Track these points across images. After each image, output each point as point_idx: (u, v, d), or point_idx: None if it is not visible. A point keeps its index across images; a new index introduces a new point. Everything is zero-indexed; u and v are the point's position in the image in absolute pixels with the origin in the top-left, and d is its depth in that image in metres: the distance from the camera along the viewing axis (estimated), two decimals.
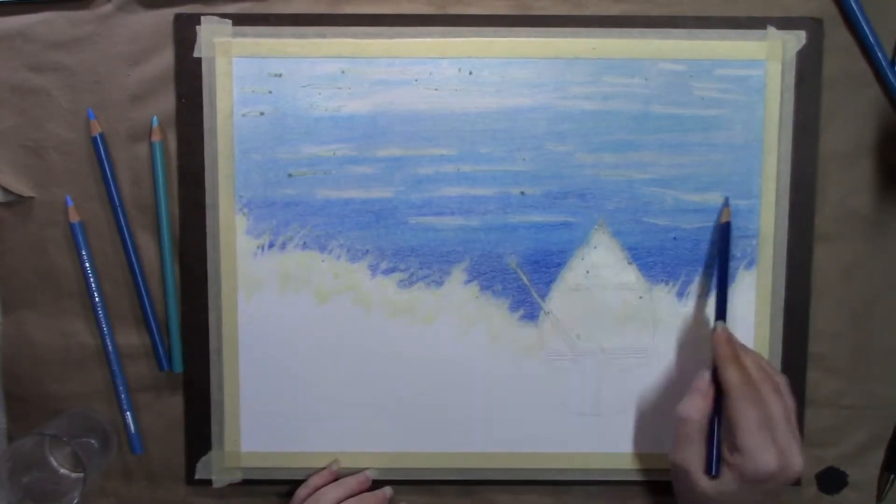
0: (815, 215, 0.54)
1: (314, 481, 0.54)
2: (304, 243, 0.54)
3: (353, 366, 0.54)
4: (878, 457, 0.57)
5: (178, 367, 0.54)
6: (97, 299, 0.54)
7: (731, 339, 0.50)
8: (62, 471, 0.54)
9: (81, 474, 0.51)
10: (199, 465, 0.55)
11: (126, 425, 0.54)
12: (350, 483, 0.54)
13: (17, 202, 0.54)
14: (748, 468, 0.46)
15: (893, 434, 0.57)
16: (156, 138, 0.53)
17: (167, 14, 0.53)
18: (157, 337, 0.54)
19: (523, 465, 0.55)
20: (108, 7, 0.53)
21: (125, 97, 0.53)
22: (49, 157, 0.53)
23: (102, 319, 0.54)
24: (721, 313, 0.52)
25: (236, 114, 0.53)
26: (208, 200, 0.53)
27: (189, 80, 0.53)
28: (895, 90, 0.54)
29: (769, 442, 0.46)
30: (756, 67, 0.53)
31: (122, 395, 0.54)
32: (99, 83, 0.53)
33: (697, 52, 0.53)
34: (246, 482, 0.55)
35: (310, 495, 0.53)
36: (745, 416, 0.46)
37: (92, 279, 0.53)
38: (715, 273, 0.53)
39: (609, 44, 0.53)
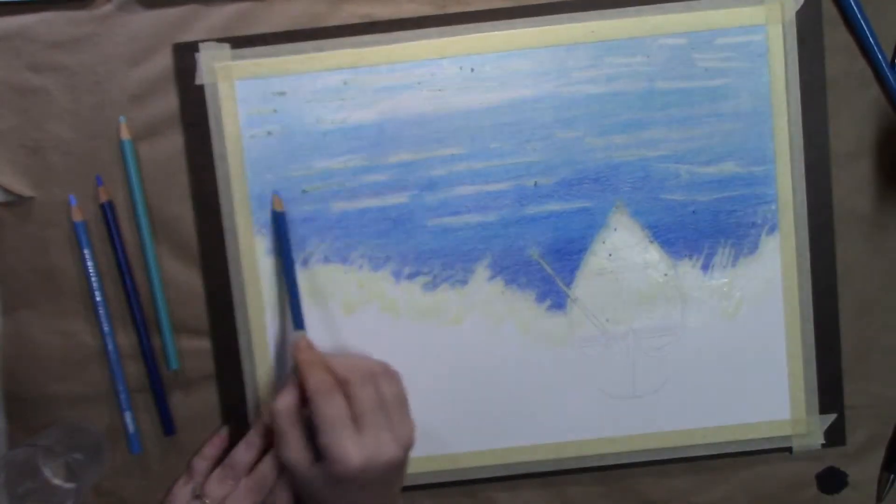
0: (831, 174, 0.54)
1: (208, 452, 0.54)
2: (326, 257, 0.54)
3: None
4: (878, 457, 0.56)
5: (175, 364, 0.54)
6: (98, 298, 0.54)
7: (311, 346, 0.50)
8: (55, 481, 0.54)
9: (74, 485, 0.51)
10: None
11: (125, 425, 0.54)
12: (255, 439, 0.53)
13: (17, 202, 0.54)
14: (334, 468, 0.45)
15: (893, 434, 0.56)
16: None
17: (167, 14, 0.53)
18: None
19: (567, 454, 0.55)
20: (108, 7, 0.53)
21: (125, 97, 0.53)
22: (49, 157, 0.53)
23: (103, 319, 0.54)
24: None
25: (244, 136, 0.53)
26: (226, 225, 0.53)
27: (194, 109, 0.53)
28: (895, 90, 0.54)
29: (349, 437, 0.45)
30: (757, 33, 0.53)
31: (122, 395, 0.54)
32: (99, 83, 0.53)
33: (696, 23, 0.53)
34: None
35: (212, 468, 0.53)
36: (324, 414, 0.45)
37: (94, 279, 0.53)
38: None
39: (607, 25, 0.53)
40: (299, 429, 0.47)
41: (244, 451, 0.52)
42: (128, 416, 0.54)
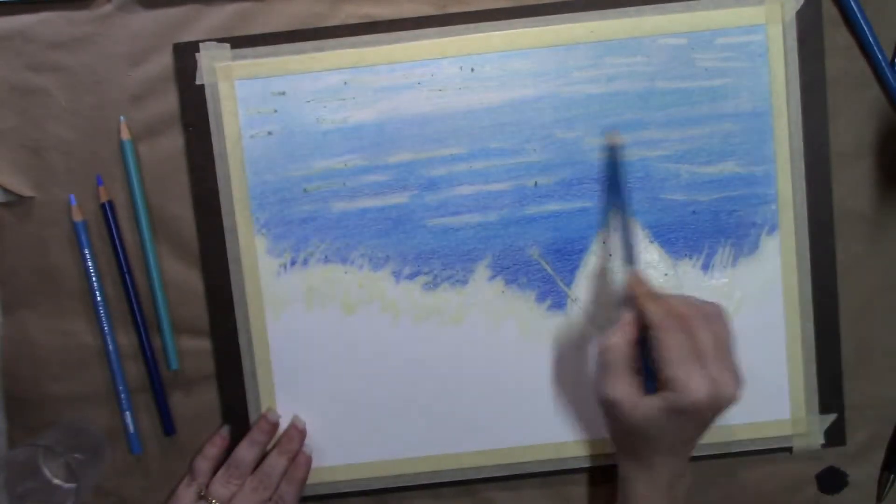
0: (831, 173, 0.54)
1: (210, 451, 0.53)
2: (326, 257, 0.54)
3: (387, 373, 0.54)
4: (878, 457, 0.56)
5: (175, 364, 0.54)
6: (98, 298, 0.54)
7: (646, 280, 0.49)
8: (55, 481, 0.54)
9: (74, 485, 0.51)
10: None
11: (125, 425, 0.54)
12: (258, 437, 0.53)
13: (17, 202, 0.54)
14: (678, 399, 0.44)
15: (893, 434, 0.56)
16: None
17: (167, 14, 0.53)
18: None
19: (567, 454, 0.55)
20: (108, 7, 0.53)
21: (125, 97, 0.53)
22: (49, 157, 0.54)
23: (103, 319, 0.54)
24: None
25: (244, 136, 0.53)
26: (226, 225, 0.53)
27: (194, 109, 0.53)
28: (895, 90, 0.54)
29: (697, 371, 0.45)
30: (757, 33, 0.53)
31: (123, 395, 0.54)
32: (99, 83, 0.53)
33: (696, 23, 0.53)
34: None
35: (215, 467, 0.53)
36: (670, 347, 0.45)
37: (94, 279, 0.53)
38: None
39: (607, 25, 0.53)
40: (629, 365, 0.47)
41: (247, 450, 0.52)
42: (128, 416, 0.54)
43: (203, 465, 0.53)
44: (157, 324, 0.54)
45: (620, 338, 0.47)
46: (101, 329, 0.54)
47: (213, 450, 0.54)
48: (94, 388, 0.55)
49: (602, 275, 0.54)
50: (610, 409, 0.47)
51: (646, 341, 0.48)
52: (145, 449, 0.55)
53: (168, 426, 0.55)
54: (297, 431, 0.54)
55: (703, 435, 0.48)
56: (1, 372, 0.55)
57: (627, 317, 0.48)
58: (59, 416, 0.55)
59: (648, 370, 0.48)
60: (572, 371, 0.55)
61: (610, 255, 0.54)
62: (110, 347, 0.54)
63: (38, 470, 0.54)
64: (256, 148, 0.53)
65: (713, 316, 0.47)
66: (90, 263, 0.54)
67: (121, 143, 0.53)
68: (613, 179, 0.52)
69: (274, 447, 0.54)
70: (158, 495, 0.55)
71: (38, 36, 0.53)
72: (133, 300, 0.54)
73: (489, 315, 0.54)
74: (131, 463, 0.55)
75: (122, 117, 0.53)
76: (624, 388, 0.46)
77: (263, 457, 0.53)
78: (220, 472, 0.52)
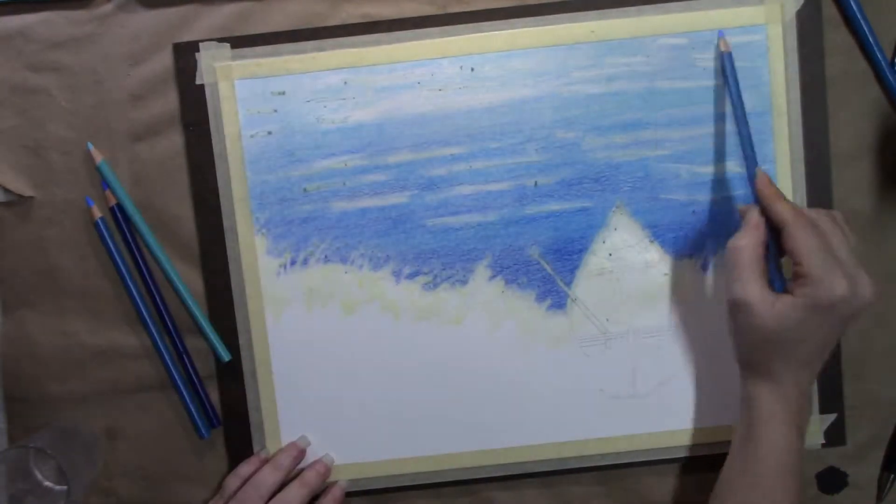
0: (831, 173, 0.54)
1: (244, 470, 0.53)
2: (326, 257, 0.54)
3: (387, 373, 0.54)
4: (878, 457, 0.56)
5: (226, 356, 0.54)
6: (134, 293, 0.54)
7: (773, 182, 0.48)
8: (46, 483, 0.54)
9: (65, 487, 0.51)
10: None
11: (190, 413, 0.55)
12: (284, 462, 0.53)
13: (17, 202, 0.54)
14: (818, 294, 0.44)
15: (893, 434, 0.56)
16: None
17: (167, 14, 0.53)
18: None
19: (567, 454, 0.55)
20: (108, 7, 0.53)
21: (125, 97, 0.53)
22: (49, 157, 0.54)
23: (144, 313, 0.54)
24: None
25: (244, 136, 0.53)
26: (226, 224, 0.53)
27: (194, 108, 0.53)
28: (895, 90, 0.54)
29: (836, 267, 0.44)
30: (757, 33, 0.53)
31: (181, 387, 0.54)
32: (99, 83, 0.53)
33: (696, 23, 0.53)
34: None
35: (241, 485, 0.52)
36: (807, 244, 0.44)
37: (126, 274, 0.53)
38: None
39: (607, 25, 0.53)
40: (760, 266, 0.46)
41: (270, 473, 0.52)
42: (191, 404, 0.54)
43: (233, 483, 0.53)
44: (161, 322, 0.54)
45: (751, 238, 0.46)
46: (145, 324, 0.54)
47: (247, 469, 0.53)
48: (94, 388, 0.55)
49: (602, 274, 0.54)
50: (741, 312, 0.46)
51: (768, 247, 0.47)
52: (145, 446, 0.55)
53: (215, 420, 0.55)
54: (325, 468, 0.54)
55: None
56: (1, 372, 0.55)
57: (755, 218, 0.47)
58: (59, 416, 0.55)
59: (775, 273, 0.47)
60: (572, 371, 0.55)
61: (610, 255, 0.54)
62: (159, 343, 0.54)
63: (29, 472, 0.54)
64: (256, 148, 0.53)
65: (838, 220, 0.46)
66: (118, 258, 0.53)
67: (98, 167, 0.53)
68: (727, 79, 0.52)
69: (296, 477, 0.53)
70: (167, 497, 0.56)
71: (38, 36, 0.53)
72: (157, 298, 0.54)
73: (489, 315, 0.54)
74: (131, 463, 0.55)
75: (89, 144, 0.53)
76: (756, 289, 0.45)
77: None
78: (239, 492, 0.52)
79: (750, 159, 0.50)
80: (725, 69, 0.52)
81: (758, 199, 0.48)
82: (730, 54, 0.52)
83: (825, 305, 0.44)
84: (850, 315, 0.45)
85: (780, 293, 0.46)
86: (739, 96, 0.51)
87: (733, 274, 0.46)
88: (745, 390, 0.48)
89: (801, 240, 0.45)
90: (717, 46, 0.53)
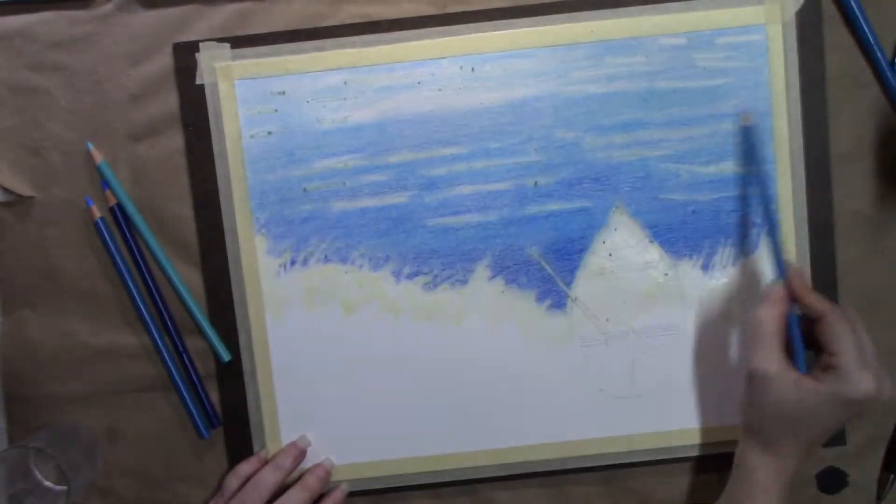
0: (831, 173, 0.54)
1: (243, 469, 0.53)
2: (326, 257, 0.54)
3: (387, 373, 0.54)
4: (878, 457, 0.56)
5: (226, 356, 0.54)
6: (134, 292, 0.54)
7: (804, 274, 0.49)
8: (46, 483, 0.54)
9: (65, 487, 0.51)
10: None
11: (196, 410, 0.55)
12: (284, 462, 0.53)
13: (17, 202, 0.54)
14: (846, 389, 0.45)
15: (893, 434, 0.56)
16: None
17: (167, 14, 0.53)
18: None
19: (567, 454, 0.55)
20: (108, 7, 0.53)
21: (125, 97, 0.53)
22: (49, 157, 0.54)
23: (144, 312, 0.54)
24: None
25: (244, 136, 0.53)
26: (226, 224, 0.53)
27: (194, 109, 0.53)
28: (895, 90, 0.54)
29: (867, 366, 0.45)
30: (756, 32, 0.53)
31: (181, 387, 0.54)
32: (99, 83, 0.53)
33: (696, 23, 0.53)
34: None
35: (242, 484, 0.52)
36: (844, 339, 0.46)
37: (126, 273, 0.53)
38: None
39: (607, 25, 0.53)
40: (782, 339, 0.47)
41: (271, 473, 0.52)
42: (190, 404, 0.54)
43: (233, 483, 0.53)
44: (161, 322, 0.54)
45: (775, 311, 0.48)
46: (145, 324, 0.54)
47: (247, 468, 0.53)
48: (94, 388, 0.55)
49: (602, 274, 0.54)
50: (759, 383, 0.47)
51: (790, 325, 0.48)
52: (144, 446, 0.55)
53: (215, 420, 0.55)
54: (325, 472, 0.54)
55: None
56: (1, 372, 0.55)
57: (779, 291, 0.48)
58: (59, 416, 0.55)
59: (800, 356, 0.48)
60: (572, 371, 0.55)
61: (610, 255, 0.54)
62: (159, 343, 0.54)
63: (29, 472, 0.54)
64: (256, 148, 0.53)
65: (861, 322, 0.48)
66: (118, 258, 0.53)
67: (98, 168, 0.53)
68: (751, 160, 0.52)
69: (297, 481, 0.53)
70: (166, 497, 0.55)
71: (38, 36, 0.53)
72: (157, 298, 0.54)
73: (489, 315, 0.54)
74: (132, 462, 0.55)
75: (89, 144, 0.53)
76: (777, 364, 0.47)
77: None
78: (239, 492, 0.52)
79: (778, 244, 0.51)
80: (748, 144, 0.52)
81: (781, 274, 0.49)
82: (752, 127, 0.52)
83: (849, 400, 0.45)
84: (862, 410, 0.46)
85: (802, 374, 0.47)
86: (765, 173, 0.52)
87: (755, 345, 0.48)
88: (744, 457, 0.49)
89: (839, 335, 0.46)
90: (738, 120, 0.53)
